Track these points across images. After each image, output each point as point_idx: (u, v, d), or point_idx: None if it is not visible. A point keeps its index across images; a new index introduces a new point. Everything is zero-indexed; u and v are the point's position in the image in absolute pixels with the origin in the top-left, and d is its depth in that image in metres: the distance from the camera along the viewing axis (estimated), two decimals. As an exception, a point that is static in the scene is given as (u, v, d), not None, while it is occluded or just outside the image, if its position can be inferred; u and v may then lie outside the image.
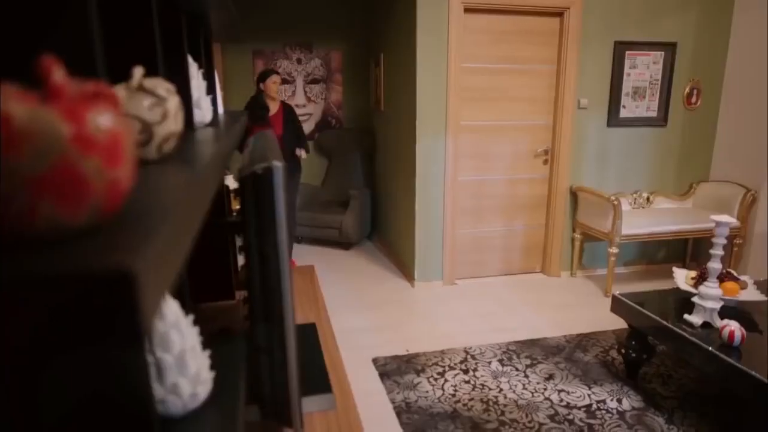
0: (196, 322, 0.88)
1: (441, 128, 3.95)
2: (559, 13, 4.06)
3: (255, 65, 5.37)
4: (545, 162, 4.30)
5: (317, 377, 1.75)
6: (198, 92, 1.13)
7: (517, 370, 2.97)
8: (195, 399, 0.78)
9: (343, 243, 5.09)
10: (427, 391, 2.74)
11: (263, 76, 4.33)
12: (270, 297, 1.22)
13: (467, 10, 3.87)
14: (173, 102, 0.65)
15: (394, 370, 2.95)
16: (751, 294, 2.64)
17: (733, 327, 2.24)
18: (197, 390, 0.78)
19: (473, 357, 3.09)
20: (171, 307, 0.77)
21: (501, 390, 2.76)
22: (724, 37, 4.33)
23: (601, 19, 4.08)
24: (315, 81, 5.60)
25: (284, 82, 5.52)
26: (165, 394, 0.75)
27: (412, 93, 3.95)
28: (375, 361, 3.05)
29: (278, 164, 1.06)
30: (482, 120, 4.14)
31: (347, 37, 5.53)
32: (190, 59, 1.08)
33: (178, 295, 1.01)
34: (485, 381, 2.85)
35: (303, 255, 4.93)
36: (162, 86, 0.64)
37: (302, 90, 5.59)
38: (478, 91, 4.08)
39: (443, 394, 2.72)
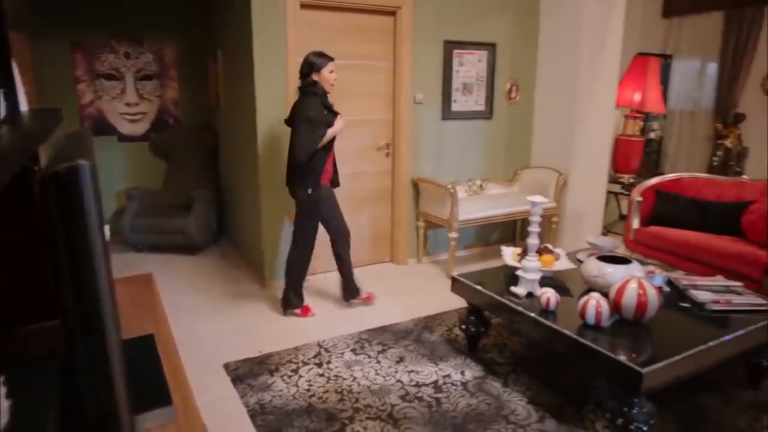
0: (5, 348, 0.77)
1: (282, 125, 3.91)
2: (392, 12, 4.23)
3: (74, 59, 4.84)
4: (387, 155, 4.47)
5: (156, 391, 1.64)
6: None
7: (369, 357, 3.06)
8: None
9: (188, 248, 4.82)
10: (281, 390, 2.71)
11: (317, 65, 3.20)
12: (87, 311, 1.11)
13: (303, 6, 3.87)
14: None
15: (246, 373, 2.87)
16: (563, 264, 3.02)
17: (549, 294, 2.54)
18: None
19: (327, 350, 3.13)
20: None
21: (355, 378, 2.83)
22: (533, 39, 4.86)
23: (431, 19, 4.34)
24: (147, 77, 5.21)
25: (111, 78, 5.06)
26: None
27: (251, 89, 3.85)
28: (227, 366, 2.94)
29: (85, 163, 0.96)
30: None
31: (181, 32, 5.23)
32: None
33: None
34: (339, 372, 2.89)
35: (144, 264, 4.57)
36: None
37: (133, 87, 5.16)
38: (319, 87, 4.10)
39: (298, 390, 2.71)
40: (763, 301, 2.69)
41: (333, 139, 3.37)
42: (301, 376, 2.84)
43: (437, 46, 4.44)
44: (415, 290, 4.09)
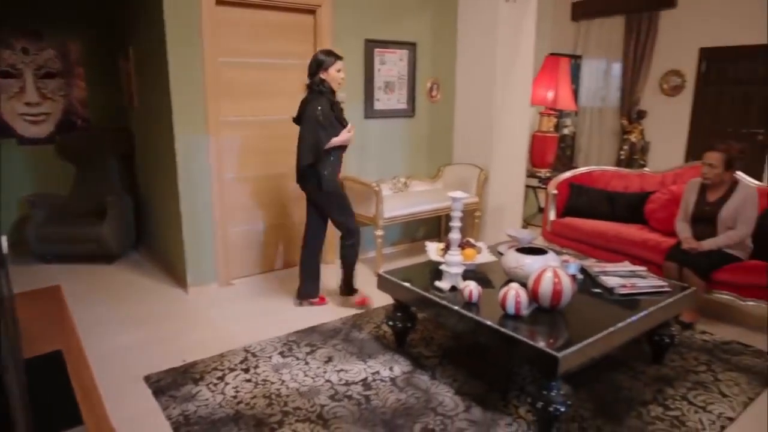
0: None
1: (201, 125, 3.79)
2: (311, 11, 4.20)
3: (-37, 55, 4.44)
4: (312, 155, 4.43)
5: (64, 411, 1.54)
6: None
7: (298, 359, 3.02)
8: None
9: (104, 256, 4.56)
10: (207, 399, 2.62)
11: (324, 63, 3.25)
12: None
13: (219, 3, 3.75)
14: None
15: (169, 384, 2.75)
16: (485, 257, 3.12)
17: (471, 287, 2.62)
18: None
19: (254, 354, 3.06)
20: None
21: (283, 382, 2.79)
22: (452, 39, 4.98)
23: (351, 18, 4.35)
24: (50, 75, 4.87)
25: (8, 75, 4.69)
26: None
27: (165, 89, 3.69)
28: (147, 378, 2.80)
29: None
30: (248, 116, 4.08)
31: (86, 26, 4.92)
32: None
33: None
34: (267, 376, 2.84)
35: (53, 276, 4.27)
36: None
37: (34, 86, 4.81)
38: (241, 86, 4.00)
39: (224, 398, 2.63)
40: (664, 283, 2.91)
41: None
42: (227, 383, 2.76)
43: (358, 45, 4.45)
44: (343, 289, 4.09)
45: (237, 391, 2.69)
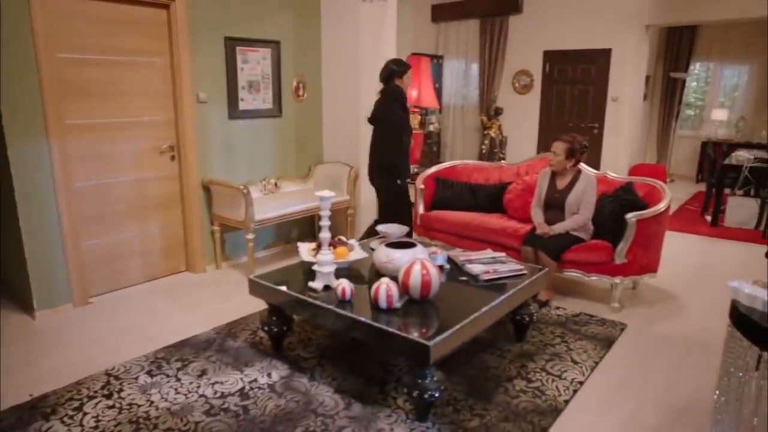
0: None
1: (40, 129, 3.39)
2: (164, 5, 3.94)
3: None
4: (173, 158, 4.18)
5: None
6: None
7: (168, 376, 2.83)
8: None
9: (-77, 284, 3.91)
10: (60, 434, 2.36)
11: (398, 72, 3.81)
12: None
13: (53, -8, 3.38)
14: None
15: (13, 424, 2.43)
16: (357, 254, 3.15)
17: (344, 285, 2.64)
18: None
19: (117, 377, 2.81)
20: None
21: (152, 403, 2.60)
22: (316, 38, 4.97)
23: (209, 15, 4.15)
24: None
25: None
26: None
27: (-9, 88, 3.25)
28: (-15, 420, 2.46)
29: None
30: (96, 118, 3.73)
31: None
32: None
33: None
34: (133, 399, 2.62)
35: None
36: None
37: None
38: (86, 85, 3.64)
39: (83, 430, 2.39)
40: (522, 267, 3.16)
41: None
42: (86, 413, 2.51)
43: (218, 43, 4.27)
44: (215, 297, 3.91)
45: (98, 420, 2.45)
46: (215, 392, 2.69)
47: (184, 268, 4.39)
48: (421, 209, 4.62)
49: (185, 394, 2.67)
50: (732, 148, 7.66)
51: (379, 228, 3.41)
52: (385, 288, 2.50)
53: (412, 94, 5.76)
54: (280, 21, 4.68)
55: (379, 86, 4.04)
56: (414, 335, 2.34)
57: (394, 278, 2.65)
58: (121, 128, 3.86)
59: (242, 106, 4.52)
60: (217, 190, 4.28)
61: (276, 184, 4.76)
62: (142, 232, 4.08)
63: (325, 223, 2.72)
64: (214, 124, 4.32)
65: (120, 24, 3.75)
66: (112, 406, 2.56)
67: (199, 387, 2.74)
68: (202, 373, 2.87)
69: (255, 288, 2.99)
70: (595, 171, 4.18)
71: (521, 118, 7.70)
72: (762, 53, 8.41)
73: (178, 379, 2.81)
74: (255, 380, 2.80)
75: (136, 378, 2.81)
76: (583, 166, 3.98)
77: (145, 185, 4.04)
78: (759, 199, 5.97)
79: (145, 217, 4.08)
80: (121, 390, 2.70)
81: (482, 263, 3.17)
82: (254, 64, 4.57)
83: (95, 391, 2.68)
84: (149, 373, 2.86)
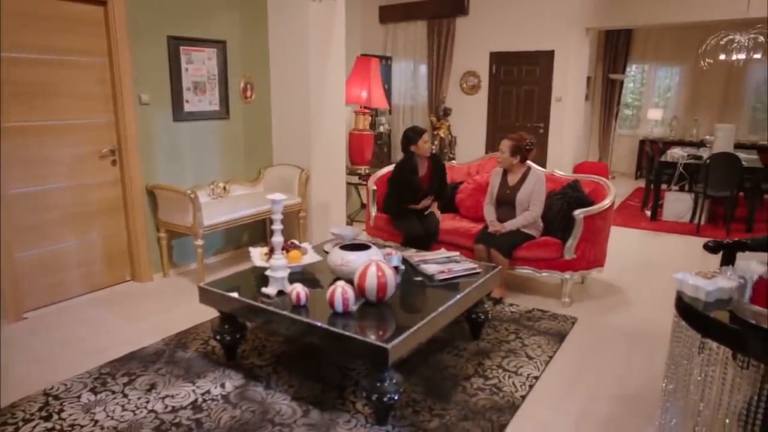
0: None
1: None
2: (101, 2, 3.75)
3: None
4: (114, 163, 3.99)
5: None
6: None
7: (113, 393, 2.69)
8: None
9: None
10: (-5, 461, 2.20)
11: (412, 139, 4.17)
12: None
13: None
14: None
15: (-60, 452, 2.25)
16: (311, 257, 3.10)
17: (298, 289, 2.58)
18: None
19: (56, 397, 2.64)
20: None
21: (96, 422, 2.45)
22: (264, 38, 4.87)
23: (150, 13, 3.99)
24: None
25: None
26: None
27: None
28: None
29: None
30: (31, 120, 3.50)
31: None
32: None
33: None
34: (75, 419, 2.47)
35: None
36: None
37: None
38: (20, 86, 3.41)
39: (19, 454, 2.23)
40: (475, 265, 3.19)
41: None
42: (22, 437, 2.34)
43: (160, 42, 4.10)
44: (163, 307, 3.76)
45: (36, 444, 2.30)
46: (166, 406, 2.57)
47: (129, 278, 4.20)
48: (374, 210, 4.60)
49: (133, 411, 2.54)
50: (667, 145, 8.04)
51: (333, 230, 3.36)
52: (340, 291, 2.46)
53: (361, 94, 5.74)
54: (226, 20, 4.55)
55: (329, 92, 4.08)
56: (372, 338, 2.31)
57: (350, 281, 2.62)
58: (58, 131, 3.65)
59: (187, 107, 4.36)
60: (162, 195, 4.12)
61: (225, 188, 4.62)
62: (82, 240, 3.87)
63: (277, 226, 2.66)
64: (157, 126, 4.16)
65: (55, 21, 3.55)
66: (52, 429, 2.40)
67: (148, 402, 2.61)
68: (151, 387, 2.74)
69: (205, 296, 2.88)
70: (543, 169, 4.28)
71: (470, 119, 7.82)
72: (691, 56, 8.88)
73: (125, 395, 2.67)
74: (208, 392, 2.70)
75: (78, 396, 2.66)
76: (531, 163, 4.07)
77: (84, 191, 3.84)
78: (693, 194, 6.29)
79: (86, 225, 3.88)
80: (61, 410, 2.54)
81: (437, 263, 3.18)
82: (199, 65, 4.43)
83: (32, 414, 2.51)
84: (93, 391, 2.71)
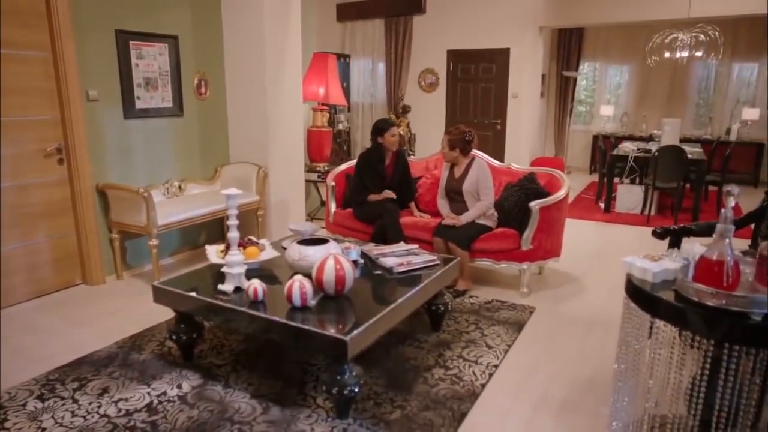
0: None
1: None
2: (42, -7, 3.60)
3: None
4: (60, 162, 3.83)
5: None
6: None
7: (62, 399, 2.58)
8: None
9: None
10: (-67, 474, 2.08)
11: (381, 129, 4.23)
12: None
13: None
14: None
15: None
16: (269, 253, 3.06)
17: (255, 285, 2.54)
18: None
19: (0, 407, 2.52)
20: None
21: (44, 430, 2.35)
22: (218, 33, 4.77)
23: (95, 5, 3.85)
24: None
25: None
26: None
27: None
28: None
29: None
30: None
31: None
32: None
33: None
34: (20, 428, 2.36)
35: None
36: None
37: None
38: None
39: (-40, 466, 2.12)
40: (434, 258, 3.21)
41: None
42: (-37, 448, 2.23)
43: (108, 37, 3.97)
44: (116, 310, 3.64)
45: (-22, 455, 2.19)
46: (119, 410, 2.49)
47: (79, 281, 4.04)
48: (333, 207, 4.58)
49: (84, 416, 2.45)
50: (619, 140, 8.31)
51: (291, 227, 3.33)
52: (298, 285, 2.44)
53: (319, 91, 5.70)
54: (178, 14, 4.44)
55: (286, 88, 4.03)
56: (330, 331, 2.30)
57: (308, 275, 2.59)
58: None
59: (139, 104, 4.24)
60: (114, 195, 3.98)
61: (180, 186, 4.51)
62: (27, 243, 3.71)
63: (232, 222, 2.61)
64: (107, 124, 4.02)
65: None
66: (-3, 437, 2.30)
67: (100, 407, 2.52)
68: (104, 391, 2.65)
69: (160, 295, 2.80)
70: (499, 163, 4.35)
71: (428, 116, 7.88)
72: (639, 54, 9.20)
73: (75, 401, 2.57)
74: (164, 393, 2.63)
75: (24, 404, 2.54)
76: (478, 154, 4.15)
77: (28, 192, 3.68)
78: (643, 186, 6.52)
79: (30, 227, 3.71)
80: (5, 420, 2.42)
81: (396, 256, 3.18)
82: (150, 60, 4.30)
83: (-25, 423, 2.39)
84: (40, 398, 2.60)
